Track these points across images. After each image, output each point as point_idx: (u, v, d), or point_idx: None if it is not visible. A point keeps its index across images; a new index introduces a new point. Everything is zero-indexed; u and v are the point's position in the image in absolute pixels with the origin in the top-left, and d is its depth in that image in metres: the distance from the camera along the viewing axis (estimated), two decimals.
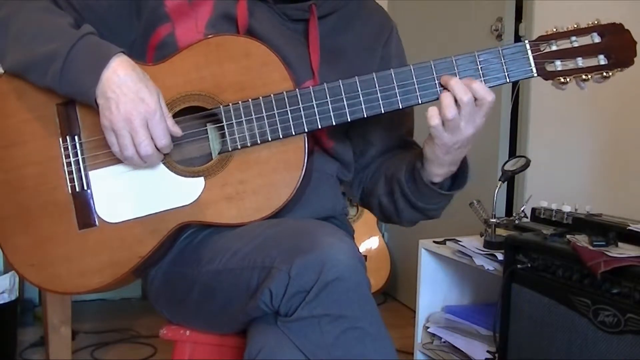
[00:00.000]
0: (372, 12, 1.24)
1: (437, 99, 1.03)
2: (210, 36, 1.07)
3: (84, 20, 1.07)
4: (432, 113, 1.01)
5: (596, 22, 1.02)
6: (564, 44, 1.02)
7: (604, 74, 1.01)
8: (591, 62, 1.02)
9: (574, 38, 1.02)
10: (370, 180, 1.23)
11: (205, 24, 1.11)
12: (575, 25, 1.02)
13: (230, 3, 1.12)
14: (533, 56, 1.02)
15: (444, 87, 1.01)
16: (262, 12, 1.13)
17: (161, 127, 1.00)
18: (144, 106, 0.98)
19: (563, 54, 1.02)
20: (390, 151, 1.23)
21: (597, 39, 1.02)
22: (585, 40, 1.02)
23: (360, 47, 1.19)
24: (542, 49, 1.02)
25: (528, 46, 1.02)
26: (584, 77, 1.02)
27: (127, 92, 0.98)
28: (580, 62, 1.02)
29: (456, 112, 0.99)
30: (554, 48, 1.02)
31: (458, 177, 1.13)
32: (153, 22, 1.12)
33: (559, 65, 1.02)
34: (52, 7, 1.08)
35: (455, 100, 0.99)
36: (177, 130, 1.03)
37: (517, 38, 2.46)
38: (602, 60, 1.01)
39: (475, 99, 1.00)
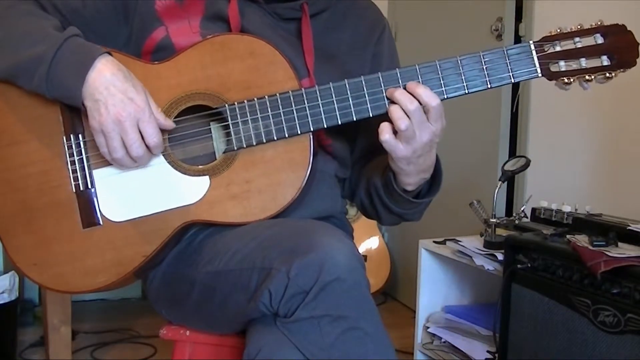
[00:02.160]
0: (364, 9, 1.24)
1: (444, 98, 1.03)
2: (214, 35, 1.08)
3: (70, 24, 1.07)
4: (383, 127, 1.01)
5: (599, 23, 1.02)
6: (568, 45, 1.03)
7: (607, 74, 1.02)
8: (594, 62, 1.02)
9: (577, 39, 1.02)
10: (355, 179, 1.23)
11: (199, 25, 1.11)
12: (579, 26, 1.03)
13: (221, 3, 1.12)
14: (537, 57, 1.02)
15: (391, 100, 1.01)
16: (253, 12, 1.13)
17: (152, 126, 1.00)
18: (133, 106, 0.98)
19: (567, 55, 1.02)
20: (376, 152, 1.22)
21: (600, 39, 1.02)
22: (588, 41, 1.02)
23: (353, 45, 1.19)
24: (546, 50, 1.02)
25: (532, 47, 1.02)
26: (587, 77, 1.02)
27: (115, 92, 0.98)
28: (584, 62, 1.02)
29: (408, 122, 0.99)
30: (557, 49, 1.02)
31: (435, 182, 1.13)
32: (145, 27, 1.11)
33: (562, 65, 1.03)
34: (37, 11, 1.08)
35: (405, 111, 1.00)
36: (170, 124, 1.03)
37: (517, 38, 2.46)
38: (605, 61, 1.02)
39: (422, 105, 1.00)
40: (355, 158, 1.24)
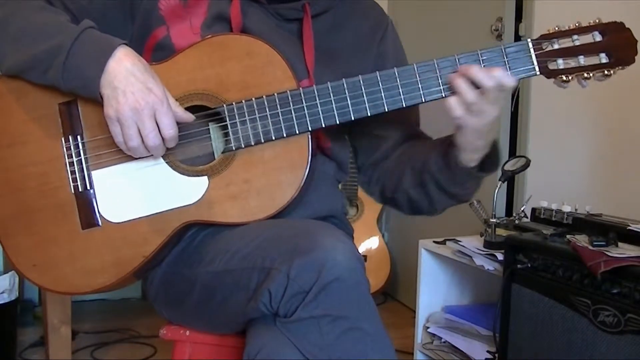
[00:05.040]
0: (367, 9, 1.24)
1: (442, 97, 1.03)
2: (212, 35, 1.08)
3: (79, 22, 1.07)
4: (453, 104, 1.00)
5: (597, 20, 1.02)
6: (566, 43, 1.02)
7: (606, 72, 1.02)
8: (593, 60, 1.02)
9: (575, 37, 1.02)
10: (391, 176, 1.19)
11: (201, 26, 1.11)
12: (577, 24, 1.03)
13: (224, 4, 1.12)
14: (535, 54, 1.02)
15: (463, 75, 1.00)
16: (255, 12, 1.13)
17: (169, 117, 0.99)
18: (151, 96, 0.98)
19: (565, 53, 1.02)
20: (405, 142, 1.21)
21: (598, 37, 1.02)
22: (586, 38, 1.02)
23: (356, 46, 1.19)
24: (544, 48, 1.02)
25: (530, 45, 1.02)
26: (585, 75, 1.02)
27: (135, 82, 0.97)
28: (582, 60, 1.02)
29: (475, 94, 0.99)
30: (555, 46, 1.02)
31: (488, 159, 1.10)
32: (148, 25, 1.12)
33: (561, 63, 1.02)
34: (49, 7, 1.08)
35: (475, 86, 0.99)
36: (189, 116, 1.02)
37: (517, 38, 2.46)
38: (603, 58, 1.02)
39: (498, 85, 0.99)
40: (386, 150, 1.21)
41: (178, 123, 1.02)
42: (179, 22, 1.11)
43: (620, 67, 1.01)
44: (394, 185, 1.19)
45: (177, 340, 1.18)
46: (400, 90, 1.03)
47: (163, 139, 1.00)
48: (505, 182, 2.00)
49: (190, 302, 1.09)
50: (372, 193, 1.25)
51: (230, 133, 1.05)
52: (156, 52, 1.11)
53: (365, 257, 2.82)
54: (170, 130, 0.99)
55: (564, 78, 1.02)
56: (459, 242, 2.01)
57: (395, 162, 1.20)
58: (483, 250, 1.90)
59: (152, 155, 1.03)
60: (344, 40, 1.19)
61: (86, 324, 2.74)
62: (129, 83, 0.97)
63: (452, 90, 1.01)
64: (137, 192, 1.06)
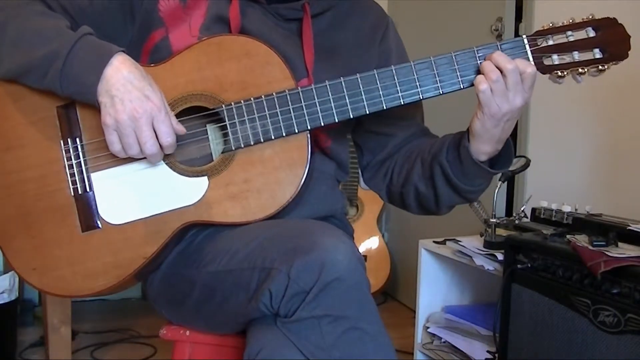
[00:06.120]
0: (367, 9, 1.24)
1: (440, 93, 1.04)
2: (210, 36, 1.08)
3: (79, 25, 1.06)
4: (480, 79, 1.01)
5: (591, 16, 1.03)
6: (560, 39, 1.04)
7: (600, 67, 1.03)
8: (587, 55, 1.03)
9: (569, 33, 1.04)
10: (400, 169, 1.20)
11: (200, 28, 1.11)
12: (571, 20, 1.04)
13: (223, 4, 1.12)
14: (531, 51, 1.03)
15: (488, 59, 1.02)
16: (255, 12, 1.13)
17: (167, 125, 0.99)
18: (149, 104, 0.98)
19: (560, 48, 1.03)
20: (414, 139, 1.22)
21: (591, 33, 1.03)
22: (580, 34, 1.04)
23: (356, 45, 1.19)
24: (539, 44, 1.04)
25: (526, 41, 1.03)
26: (580, 70, 1.03)
27: (132, 89, 0.97)
28: (577, 56, 1.03)
29: (499, 75, 1.00)
30: (550, 43, 1.04)
31: (499, 159, 1.11)
32: (147, 27, 1.12)
33: (556, 59, 1.04)
34: (47, 11, 1.08)
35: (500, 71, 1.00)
36: (181, 128, 1.03)
37: None
38: (597, 54, 1.03)
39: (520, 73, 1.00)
40: (393, 147, 1.22)
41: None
42: (178, 24, 1.11)
43: (613, 62, 1.02)
44: (403, 179, 1.19)
45: (177, 340, 1.19)
46: (399, 88, 1.04)
47: (161, 146, 1.00)
48: (505, 182, 2.00)
49: (190, 302, 1.09)
50: (379, 190, 1.25)
51: (230, 133, 1.05)
52: (154, 54, 1.11)
53: (365, 257, 2.82)
54: (168, 138, 0.99)
55: (559, 73, 1.04)
56: (459, 242, 2.01)
57: (405, 156, 1.20)
58: (483, 250, 1.90)
59: (149, 162, 1.03)
60: (344, 39, 1.19)
61: (86, 324, 2.74)
62: (127, 91, 0.97)
63: (480, 72, 1.03)
64: (137, 194, 1.06)
